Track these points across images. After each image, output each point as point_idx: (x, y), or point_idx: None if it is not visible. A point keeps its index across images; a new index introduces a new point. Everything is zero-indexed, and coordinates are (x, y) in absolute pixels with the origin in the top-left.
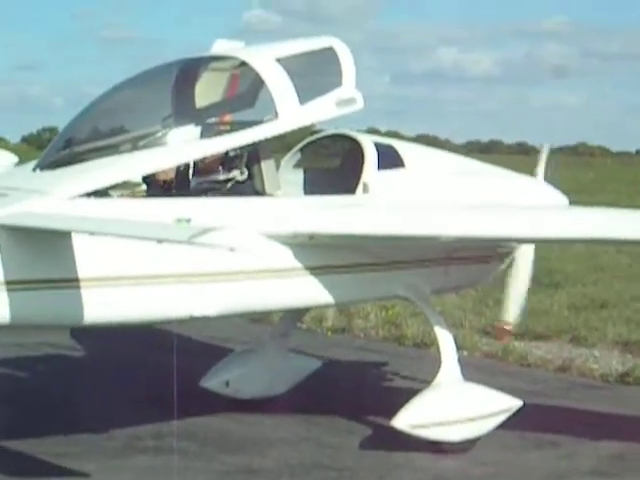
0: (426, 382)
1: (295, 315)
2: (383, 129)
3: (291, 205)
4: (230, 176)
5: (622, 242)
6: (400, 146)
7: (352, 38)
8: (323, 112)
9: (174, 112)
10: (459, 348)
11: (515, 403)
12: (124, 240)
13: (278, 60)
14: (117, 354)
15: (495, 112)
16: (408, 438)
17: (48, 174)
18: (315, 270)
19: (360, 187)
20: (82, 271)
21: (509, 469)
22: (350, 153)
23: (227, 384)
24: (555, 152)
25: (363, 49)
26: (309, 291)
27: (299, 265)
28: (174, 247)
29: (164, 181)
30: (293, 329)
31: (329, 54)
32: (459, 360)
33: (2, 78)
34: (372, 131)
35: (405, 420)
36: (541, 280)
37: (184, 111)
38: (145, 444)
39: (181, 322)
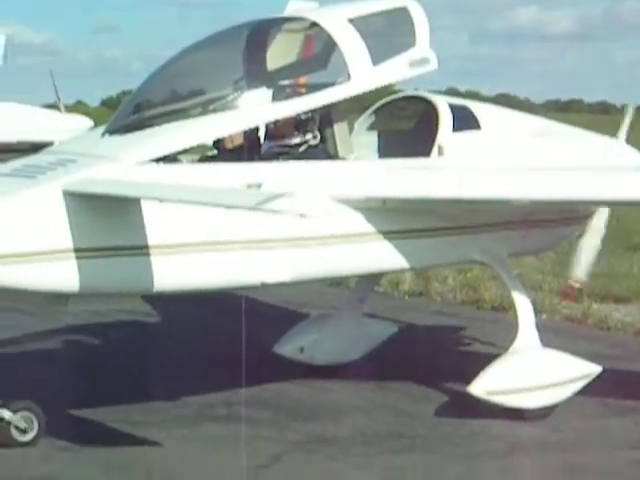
0: (504, 347)
1: (371, 280)
2: (462, 89)
3: (364, 169)
4: (302, 140)
5: None
6: (475, 107)
7: None
8: (396, 73)
9: (245, 75)
10: (538, 311)
11: (595, 369)
12: (194, 206)
13: (350, 21)
14: (191, 320)
15: (575, 70)
16: (485, 405)
17: (117, 139)
18: (389, 235)
19: (435, 150)
20: (151, 238)
21: (588, 436)
22: (424, 115)
23: (301, 350)
24: (639, 111)
25: (441, 9)
26: (383, 256)
27: (372, 230)
28: (244, 213)
29: (235, 146)
30: (370, 294)
31: (402, 14)
32: (537, 324)
33: (81, 41)
34: (451, 91)
35: (481, 386)
36: (620, 242)
37: (255, 74)
38: (216, 412)
39: (254, 289)
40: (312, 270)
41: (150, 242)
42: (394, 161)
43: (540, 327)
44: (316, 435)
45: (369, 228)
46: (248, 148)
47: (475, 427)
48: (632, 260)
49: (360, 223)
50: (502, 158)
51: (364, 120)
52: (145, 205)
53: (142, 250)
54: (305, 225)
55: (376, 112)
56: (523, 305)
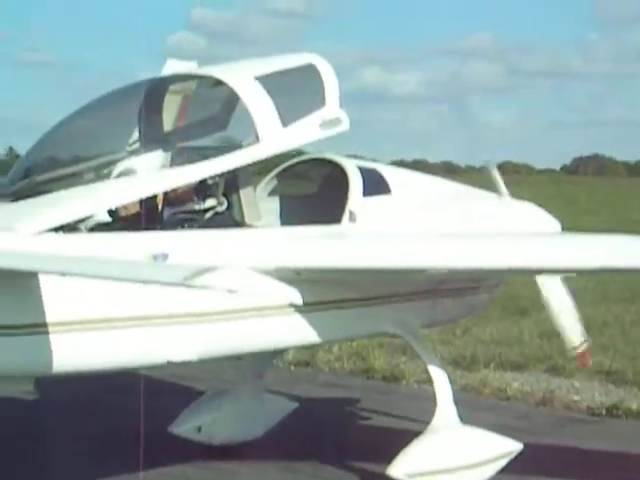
0: (404, 420)
1: (271, 354)
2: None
3: (274, 237)
4: (207, 206)
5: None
6: (384, 170)
7: None
8: (307, 134)
9: (145, 137)
10: (431, 382)
11: (515, 446)
12: (94, 281)
13: (257, 78)
14: (77, 397)
15: (420, 131)
16: None
17: (9, 207)
18: (301, 307)
19: (346, 216)
20: (49, 315)
21: None
22: (332, 178)
23: (199, 429)
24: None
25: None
26: (295, 330)
27: (283, 303)
28: (146, 287)
29: (132, 213)
30: (269, 369)
31: (310, 72)
32: (433, 395)
33: None
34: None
35: (402, 468)
36: (507, 306)
37: (156, 136)
38: None
39: (158, 368)
40: (220, 347)
41: (48, 319)
42: (304, 229)
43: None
44: None
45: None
46: (147, 215)
47: None
48: (521, 325)
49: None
50: (413, 224)
51: (265, 184)
52: (41, 280)
53: (39, 329)
54: (212, 299)
55: (278, 175)
56: (440, 380)
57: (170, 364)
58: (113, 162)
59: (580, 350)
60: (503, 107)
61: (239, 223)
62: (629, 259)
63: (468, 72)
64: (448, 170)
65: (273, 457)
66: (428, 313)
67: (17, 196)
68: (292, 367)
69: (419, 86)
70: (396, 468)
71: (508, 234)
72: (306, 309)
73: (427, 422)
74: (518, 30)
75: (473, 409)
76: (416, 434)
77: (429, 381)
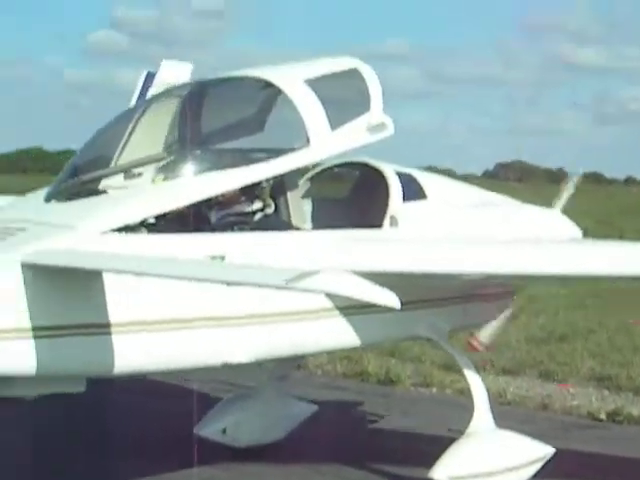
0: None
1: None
2: None
3: (323, 240)
4: (257, 208)
5: None
6: (420, 176)
7: (203, 60)
8: (355, 139)
9: (202, 139)
10: (427, 384)
11: (548, 450)
12: (159, 281)
13: (306, 82)
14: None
15: None
16: None
17: (68, 206)
18: (346, 310)
19: (387, 220)
20: (114, 315)
21: None
22: (368, 182)
23: (224, 431)
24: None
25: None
26: (340, 333)
27: (331, 305)
28: (210, 288)
29: (188, 215)
30: (291, 372)
31: (355, 76)
32: (430, 398)
33: None
34: None
35: (444, 472)
36: None
37: (213, 138)
38: None
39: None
40: (273, 349)
41: (112, 320)
42: (349, 232)
43: (436, 401)
44: None
45: (328, 304)
46: (202, 217)
47: None
48: (507, 330)
49: (320, 298)
50: (448, 229)
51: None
52: (106, 280)
53: (104, 329)
54: (269, 301)
55: (312, 179)
56: (475, 383)
57: (226, 366)
58: (167, 164)
59: (475, 342)
60: (424, 112)
61: (288, 226)
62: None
63: (387, 77)
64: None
65: (293, 459)
66: (458, 318)
67: (73, 195)
68: None
69: None
70: (439, 471)
71: (540, 240)
72: (350, 311)
73: (436, 424)
74: (438, 35)
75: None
76: (430, 437)
77: (425, 384)
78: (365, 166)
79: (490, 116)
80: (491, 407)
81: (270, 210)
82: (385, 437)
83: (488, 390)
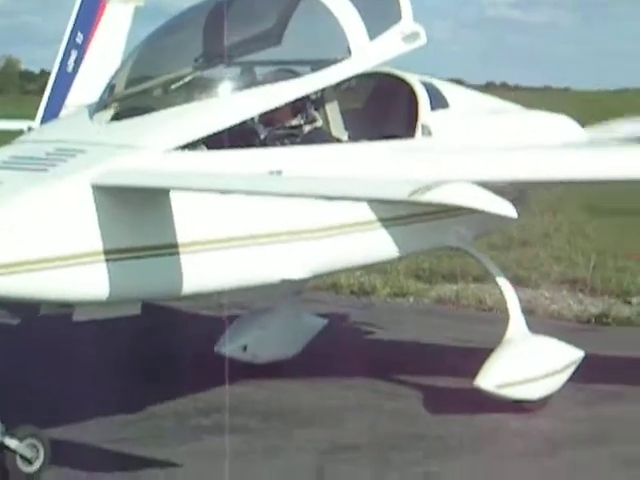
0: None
1: None
2: None
3: (365, 151)
4: (303, 122)
5: None
6: (439, 84)
7: None
8: (392, 49)
9: (257, 52)
10: (404, 294)
11: (579, 353)
12: (215, 200)
13: None
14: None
15: None
16: (458, 397)
17: (122, 124)
18: (385, 222)
19: (419, 130)
20: (181, 236)
21: (612, 424)
22: (394, 93)
23: (245, 348)
24: None
25: None
26: (382, 245)
27: (374, 218)
28: (266, 205)
29: (243, 130)
30: (305, 286)
31: None
32: (407, 309)
33: None
34: None
35: (490, 380)
36: None
37: (265, 50)
38: (201, 423)
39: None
40: (327, 263)
41: (180, 240)
42: (386, 143)
43: (419, 311)
44: (333, 442)
45: (371, 217)
46: (256, 132)
47: (486, 424)
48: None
49: (363, 212)
50: (472, 137)
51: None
52: (170, 200)
53: (173, 249)
54: (318, 216)
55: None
56: (509, 292)
57: (285, 282)
58: (217, 78)
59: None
60: None
61: (333, 138)
62: None
63: None
64: None
65: (320, 375)
66: (480, 225)
67: (124, 112)
68: None
69: None
70: (484, 380)
71: (559, 145)
72: (388, 223)
73: (436, 335)
74: None
75: (467, 321)
76: (440, 347)
77: (401, 294)
78: (385, 76)
79: None
80: (477, 315)
81: (319, 123)
82: (396, 349)
83: (466, 297)
